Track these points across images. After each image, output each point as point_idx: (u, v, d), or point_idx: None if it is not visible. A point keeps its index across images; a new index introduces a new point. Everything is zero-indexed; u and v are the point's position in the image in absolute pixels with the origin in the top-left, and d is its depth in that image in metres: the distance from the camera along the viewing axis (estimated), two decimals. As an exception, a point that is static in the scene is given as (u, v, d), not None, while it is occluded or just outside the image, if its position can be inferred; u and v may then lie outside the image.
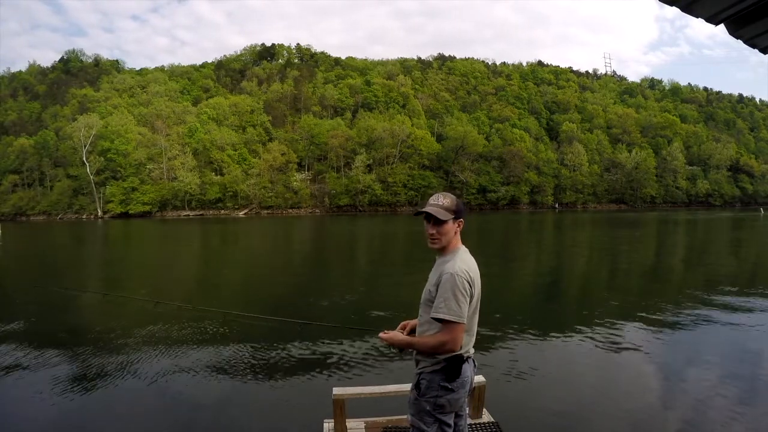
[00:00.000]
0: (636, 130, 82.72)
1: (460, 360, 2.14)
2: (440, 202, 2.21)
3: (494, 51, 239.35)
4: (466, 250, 2.27)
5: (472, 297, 2.13)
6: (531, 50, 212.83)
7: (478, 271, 2.23)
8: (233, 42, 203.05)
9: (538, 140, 77.66)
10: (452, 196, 2.25)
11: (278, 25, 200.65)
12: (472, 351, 2.26)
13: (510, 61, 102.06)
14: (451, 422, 2.21)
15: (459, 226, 2.23)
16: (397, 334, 2.29)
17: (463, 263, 2.15)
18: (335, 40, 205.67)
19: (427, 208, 2.20)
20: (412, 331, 2.37)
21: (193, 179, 62.28)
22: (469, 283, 2.11)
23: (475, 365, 2.28)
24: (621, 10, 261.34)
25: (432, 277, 2.21)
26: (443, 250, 2.23)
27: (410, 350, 2.28)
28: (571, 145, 75.67)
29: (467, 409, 2.30)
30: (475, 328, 2.26)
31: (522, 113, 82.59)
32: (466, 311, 2.09)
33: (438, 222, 2.17)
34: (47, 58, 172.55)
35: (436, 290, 2.12)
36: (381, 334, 2.28)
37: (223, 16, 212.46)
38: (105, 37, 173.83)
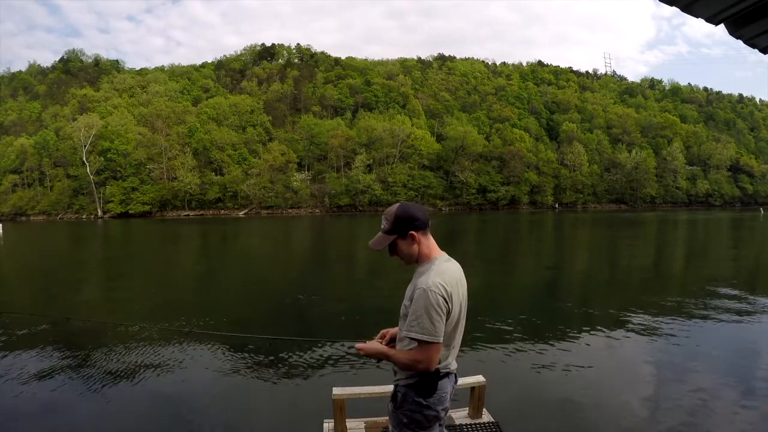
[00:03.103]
0: (636, 130, 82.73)
1: (436, 377, 2.01)
2: (382, 225, 2.08)
3: (491, 50, 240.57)
4: (447, 258, 2.09)
5: (449, 313, 1.96)
6: (528, 50, 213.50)
7: (460, 282, 2.07)
8: (228, 42, 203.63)
9: (538, 140, 77.64)
10: (393, 212, 2.06)
11: (273, 25, 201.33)
12: (454, 366, 2.10)
13: (509, 61, 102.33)
14: None
15: (413, 238, 2.03)
16: (373, 345, 2.15)
17: (438, 276, 1.95)
18: (330, 40, 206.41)
19: (370, 242, 2.10)
20: (393, 340, 2.22)
21: (193, 179, 62.26)
22: (444, 298, 1.92)
23: (456, 380, 2.15)
24: (617, 9, 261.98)
25: (408, 290, 2.05)
26: (418, 261, 2.08)
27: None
28: (571, 145, 75.65)
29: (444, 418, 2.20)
30: (458, 342, 2.10)
31: (522, 113, 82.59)
32: (442, 329, 1.92)
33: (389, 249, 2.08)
34: (44, 58, 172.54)
35: (411, 305, 1.97)
36: (358, 345, 2.13)
37: (217, 16, 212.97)
38: (101, 38, 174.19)
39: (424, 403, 2.01)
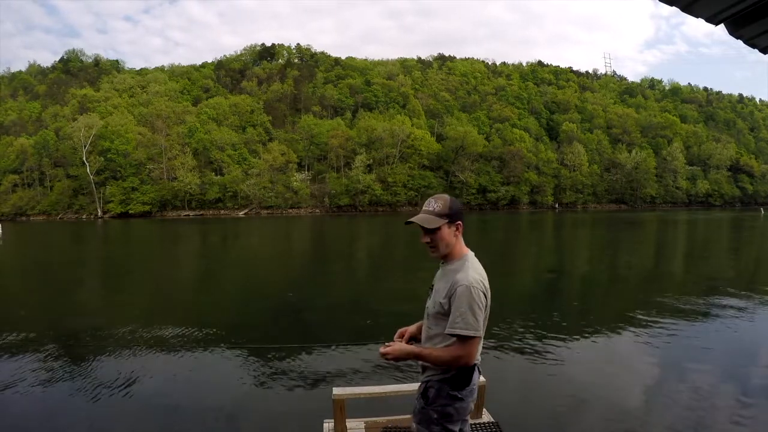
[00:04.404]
0: (636, 130, 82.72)
1: (472, 368, 2.05)
2: (431, 207, 2.07)
3: (490, 50, 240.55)
4: (473, 255, 2.13)
5: (487, 307, 2.03)
6: (527, 50, 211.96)
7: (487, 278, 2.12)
8: (226, 42, 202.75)
9: (538, 140, 77.61)
10: (446, 197, 2.11)
11: (270, 25, 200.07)
12: (480, 358, 2.15)
13: (509, 61, 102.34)
14: (458, 429, 2.12)
15: (458, 229, 2.08)
16: (401, 347, 2.11)
17: (475, 272, 2.02)
18: (328, 40, 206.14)
19: (415, 217, 2.07)
20: (411, 339, 2.25)
21: (193, 179, 62.23)
22: (484, 293, 1.99)
23: (479, 371, 2.18)
24: (615, 8, 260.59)
25: (441, 288, 2.06)
26: (448, 257, 2.10)
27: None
28: (571, 145, 75.64)
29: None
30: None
31: (522, 113, 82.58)
32: (482, 323, 1.98)
33: (430, 230, 2.05)
34: (43, 59, 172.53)
35: (449, 302, 1.98)
36: (382, 349, 2.08)
37: (214, 16, 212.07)
38: (99, 39, 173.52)
39: (459, 396, 2.05)
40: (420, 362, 2.12)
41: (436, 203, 2.08)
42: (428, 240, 2.08)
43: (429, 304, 2.14)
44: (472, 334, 1.94)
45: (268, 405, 4.89)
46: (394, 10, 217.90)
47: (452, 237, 2.07)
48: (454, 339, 1.97)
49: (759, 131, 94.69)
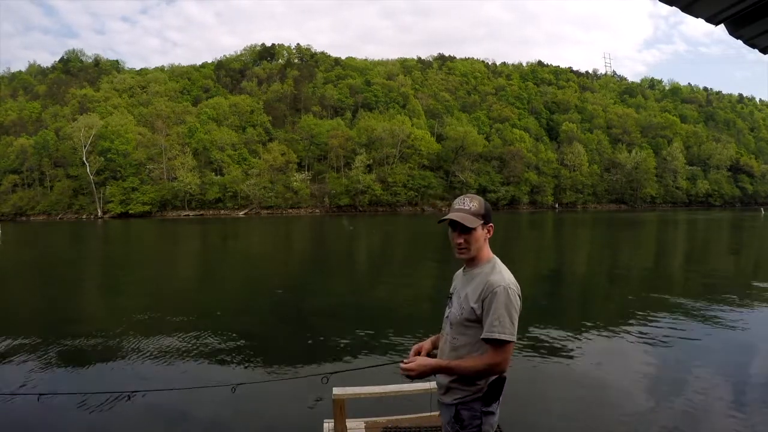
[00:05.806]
0: (636, 130, 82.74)
1: (503, 381, 1.93)
2: (467, 206, 1.95)
3: (490, 50, 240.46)
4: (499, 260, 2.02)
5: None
6: (526, 50, 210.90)
7: None
8: (224, 42, 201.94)
9: (538, 140, 77.65)
10: (480, 198, 2.00)
11: (268, 25, 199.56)
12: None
13: (509, 61, 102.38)
14: None
15: (489, 231, 1.98)
16: (425, 361, 1.96)
17: (509, 274, 1.92)
18: (325, 40, 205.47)
19: (453, 215, 1.94)
20: (427, 355, 2.13)
21: (193, 179, 62.25)
22: (519, 296, 1.91)
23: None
24: (613, 8, 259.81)
25: (471, 292, 1.92)
26: (474, 260, 1.98)
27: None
28: (571, 145, 75.66)
29: None
30: None
31: (522, 113, 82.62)
32: (516, 327, 1.87)
33: (465, 230, 1.92)
34: (42, 59, 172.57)
35: (481, 307, 1.86)
36: (404, 365, 1.94)
37: (212, 16, 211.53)
38: (97, 39, 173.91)
39: (491, 410, 1.94)
40: (439, 380, 2.00)
41: (471, 202, 1.97)
42: (462, 240, 1.95)
43: (452, 312, 2.01)
44: (509, 338, 1.84)
45: (268, 405, 4.89)
46: (391, 9, 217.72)
47: (483, 239, 1.97)
48: (487, 346, 1.86)
49: (759, 131, 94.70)
